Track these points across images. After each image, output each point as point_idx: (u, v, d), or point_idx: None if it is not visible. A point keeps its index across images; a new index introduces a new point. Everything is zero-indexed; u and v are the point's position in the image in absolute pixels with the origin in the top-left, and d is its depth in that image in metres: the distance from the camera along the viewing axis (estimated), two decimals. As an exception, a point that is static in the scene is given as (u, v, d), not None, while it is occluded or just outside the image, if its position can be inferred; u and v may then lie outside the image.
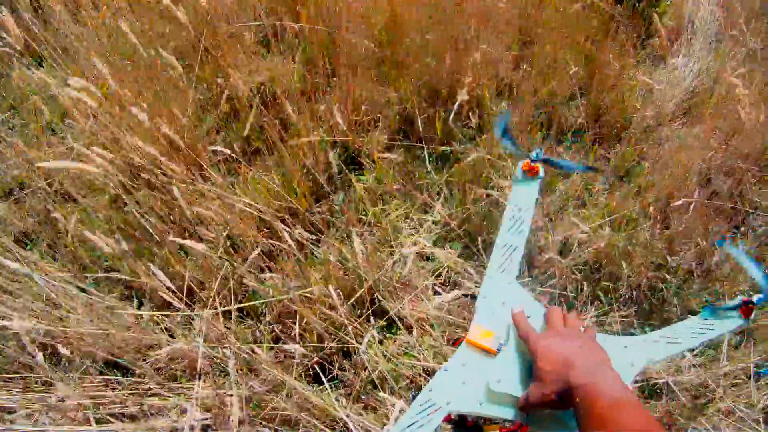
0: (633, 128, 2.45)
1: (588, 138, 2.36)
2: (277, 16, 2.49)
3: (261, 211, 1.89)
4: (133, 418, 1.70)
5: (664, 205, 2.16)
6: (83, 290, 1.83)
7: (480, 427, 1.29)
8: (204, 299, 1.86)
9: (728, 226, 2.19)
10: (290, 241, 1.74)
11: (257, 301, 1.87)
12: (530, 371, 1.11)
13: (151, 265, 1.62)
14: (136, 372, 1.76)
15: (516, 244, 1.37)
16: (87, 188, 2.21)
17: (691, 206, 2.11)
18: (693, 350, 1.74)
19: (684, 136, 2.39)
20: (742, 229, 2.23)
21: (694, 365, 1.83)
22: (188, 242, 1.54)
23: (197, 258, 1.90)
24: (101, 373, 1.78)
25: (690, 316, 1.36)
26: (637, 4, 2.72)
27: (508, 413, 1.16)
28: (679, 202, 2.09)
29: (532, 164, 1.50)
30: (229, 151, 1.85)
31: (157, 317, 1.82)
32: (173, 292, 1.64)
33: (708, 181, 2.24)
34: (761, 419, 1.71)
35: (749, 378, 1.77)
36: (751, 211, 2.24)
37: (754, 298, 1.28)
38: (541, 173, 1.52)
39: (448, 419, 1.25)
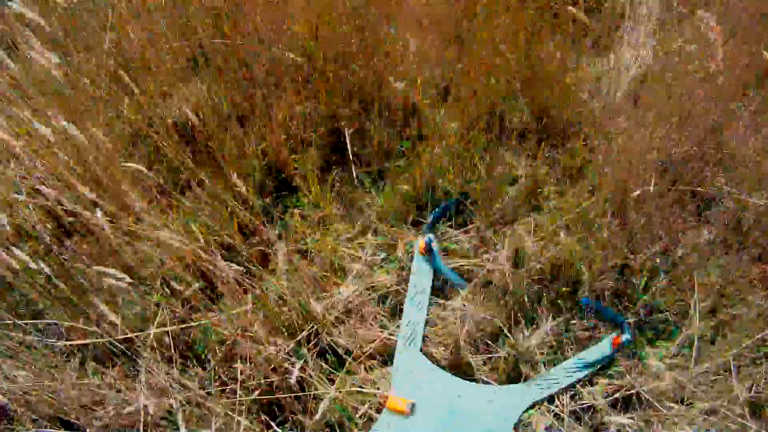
0: (580, 124, 2.48)
1: (533, 138, 2.39)
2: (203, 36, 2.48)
3: (196, 247, 1.89)
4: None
5: (620, 199, 2.17)
6: (28, 346, 1.88)
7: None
8: (141, 344, 1.86)
9: (690, 214, 2.22)
10: (230, 278, 1.78)
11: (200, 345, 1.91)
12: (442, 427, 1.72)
13: (96, 299, 1.67)
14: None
15: (418, 320, 1.97)
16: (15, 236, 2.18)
17: (651, 197, 2.12)
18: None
19: (634, 126, 2.37)
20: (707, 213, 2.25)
21: (669, 369, 1.87)
22: (114, 273, 1.59)
23: (134, 304, 1.89)
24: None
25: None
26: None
27: None
28: (637, 192, 2.09)
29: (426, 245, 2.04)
30: (149, 173, 1.88)
31: (101, 369, 1.84)
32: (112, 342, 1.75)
33: (665, 170, 2.25)
34: (746, 413, 1.76)
35: (728, 372, 1.82)
36: (712, 195, 2.26)
37: (623, 338, 1.88)
38: (434, 252, 2.10)
39: None
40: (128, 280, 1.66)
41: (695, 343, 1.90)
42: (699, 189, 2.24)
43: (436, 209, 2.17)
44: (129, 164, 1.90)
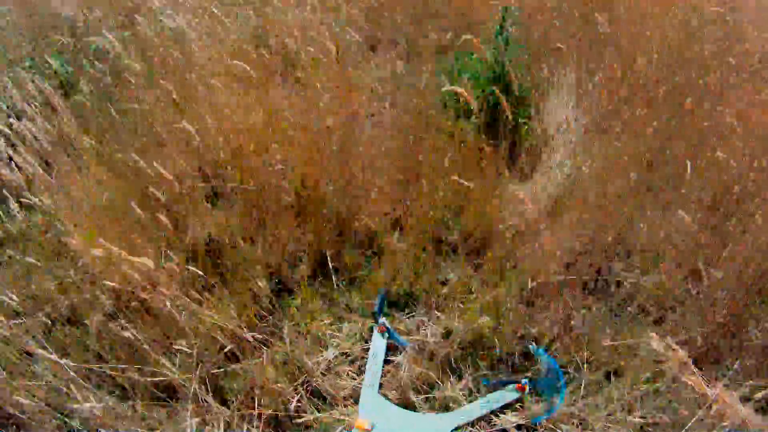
0: (501, 237, 3.29)
1: (462, 252, 3.35)
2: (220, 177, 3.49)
3: (226, 325, 2.87)
4: None
5: (528, 289, 3.00)
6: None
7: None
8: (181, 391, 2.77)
9: (589, 295, 3.14)
10: (252, 342, 2.81)
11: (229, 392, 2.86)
12: None
13: (161, 358, 2.63)
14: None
15: (376, 373, 2.87)
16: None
17: (551, 284, 2.97)
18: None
19: (546, 234, 3.13)
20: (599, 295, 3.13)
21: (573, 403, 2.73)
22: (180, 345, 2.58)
23: (180, 364, 2.79)
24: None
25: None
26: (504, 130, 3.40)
27: None
28: (533, 284, 2.94)
29: (381, 326, 3.00)
30: (201, 273, 2.86)
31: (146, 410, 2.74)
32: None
33: (569, 264, 3.09)
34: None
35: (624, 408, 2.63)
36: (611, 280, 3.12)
37: (522, 381, 2.72)
38: (389, 329, 3.02)
39: None
40: (190, 351, 2.64)
41: (582, 385, 2.75)
42: (594, 277, 3.11)
43: (377, 305, 3.11)
44: (191, 267, 2.85)
